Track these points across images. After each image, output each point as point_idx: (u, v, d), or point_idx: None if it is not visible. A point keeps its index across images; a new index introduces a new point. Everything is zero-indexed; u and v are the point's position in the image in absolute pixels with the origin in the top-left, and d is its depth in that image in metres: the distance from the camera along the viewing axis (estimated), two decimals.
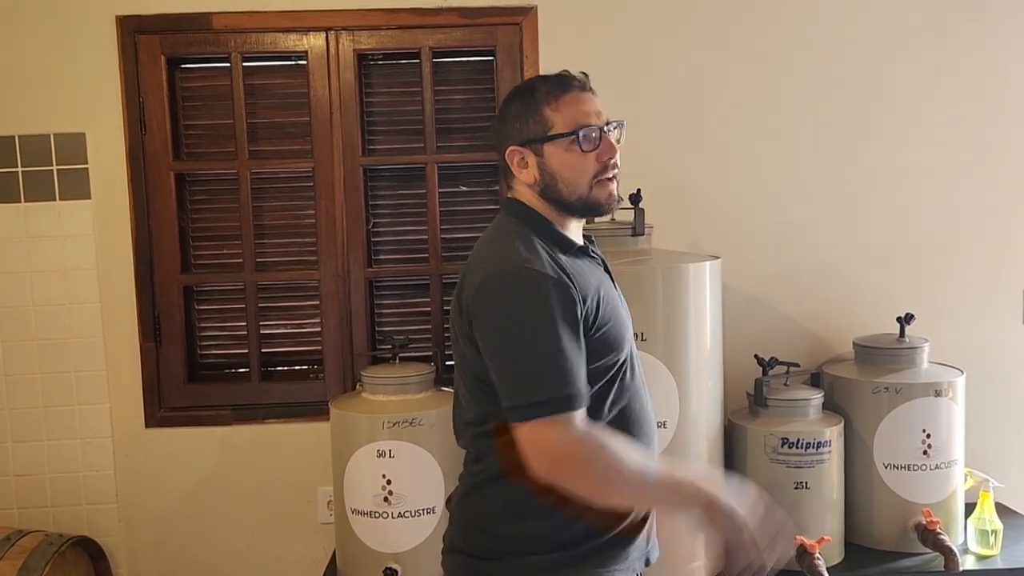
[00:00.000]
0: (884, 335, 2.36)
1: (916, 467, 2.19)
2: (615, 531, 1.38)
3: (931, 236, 2.54)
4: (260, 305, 2.54)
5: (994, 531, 2.19)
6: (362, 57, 2.49)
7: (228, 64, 2.46)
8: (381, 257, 2.58)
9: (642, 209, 2.10)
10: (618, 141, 1.44)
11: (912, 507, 2.19)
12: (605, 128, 1.41)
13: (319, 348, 2.55)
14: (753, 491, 1.30)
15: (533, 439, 1.27)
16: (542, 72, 2.42)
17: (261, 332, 2.54)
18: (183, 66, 2.51)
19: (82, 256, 2.45)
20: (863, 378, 2.25)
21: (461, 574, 1.43)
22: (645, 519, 1.43)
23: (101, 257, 2.46)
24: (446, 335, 2.56)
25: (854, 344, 2.37)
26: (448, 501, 1.52)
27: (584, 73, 1.45)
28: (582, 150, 1.39)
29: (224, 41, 2.44)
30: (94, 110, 2.42)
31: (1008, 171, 2.54)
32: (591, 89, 1.44)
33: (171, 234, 2.48)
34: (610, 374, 1.38)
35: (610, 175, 1.41)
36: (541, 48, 2.44)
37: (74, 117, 2.42)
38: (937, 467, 2.20)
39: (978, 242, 2.54)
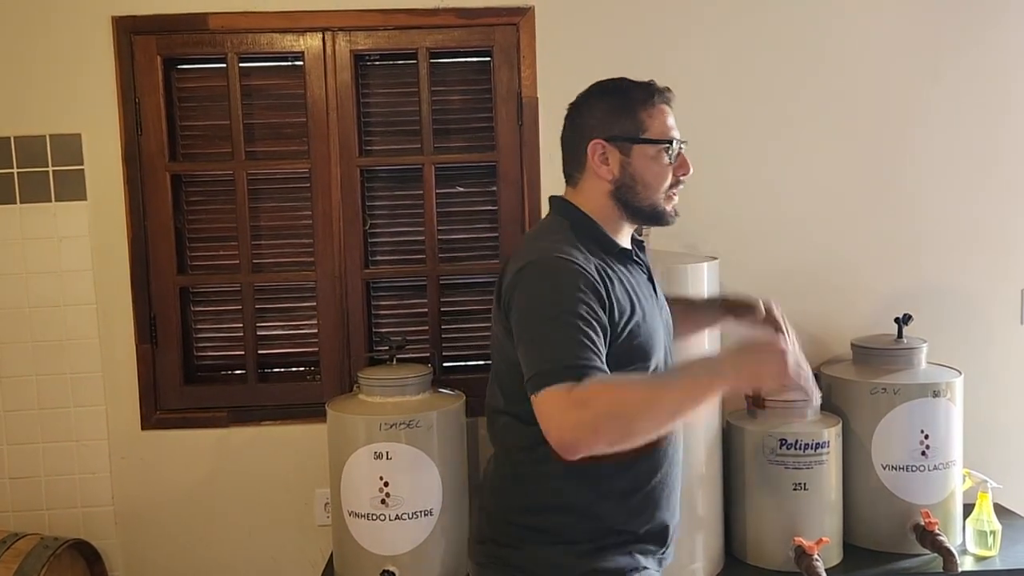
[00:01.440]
0: (882, 336, 2.36)
1: (914, 468, 2.19)
2: (640, 531, 1.42)
3: (929, 236, 2.54)
4: (257, 306, 2.53)
5: (992, 532, 2.19)
6: (359, 58, 2.48)
7: (224, 65, 2.45)
8: (378, 258, 2.57)
9: None
10: None
11: (910, 508, 2.19)
12: (682, 145, 1.47)
13: (316, 349, 2.54)
14: (752, 341, 1.32)
15: (550, 407, 1.25)
16: (540, 73, 2.43)
17: (258, 334, 2.53)
18: (179, 67, 2.50)
19: (78, 258, 2.44)
20: (861, 379, 2.25)
21: (486, 563, 1.47)
22: (667, 530, 1.46)
23: (97, 259, 2.45)
24: (443, 336, 2.56)
25: (852, 345, 2.37)
26: (481, 503, 1.54)
27: (669, 88, 1.49)
28: (669, 161, 1.44)
29: (220, 42, 2.43)
30: (90, 111, 2.41)
31: (1006, 173, 2.54)
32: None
33: (167, 235, 2.47)
34: None
35: (676, 189, 1.48)
36: (539, 49, 2.43)
37: (70, 118, 2.41)
38: (935, 468, 2.19)
39: (976, 242, 2.54)
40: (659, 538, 1.45)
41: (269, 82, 2.51)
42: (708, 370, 1.27)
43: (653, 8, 2.45)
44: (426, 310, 2.55)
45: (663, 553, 1.49)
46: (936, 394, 2.19)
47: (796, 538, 2.08)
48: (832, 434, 2.15)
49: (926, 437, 2.18)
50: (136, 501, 2.50)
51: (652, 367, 1.41)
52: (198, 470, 2.50)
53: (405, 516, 2.09)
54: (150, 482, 2.50)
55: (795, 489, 2.12)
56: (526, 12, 2.43)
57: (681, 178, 1.47)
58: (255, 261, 2.52)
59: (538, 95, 2.45)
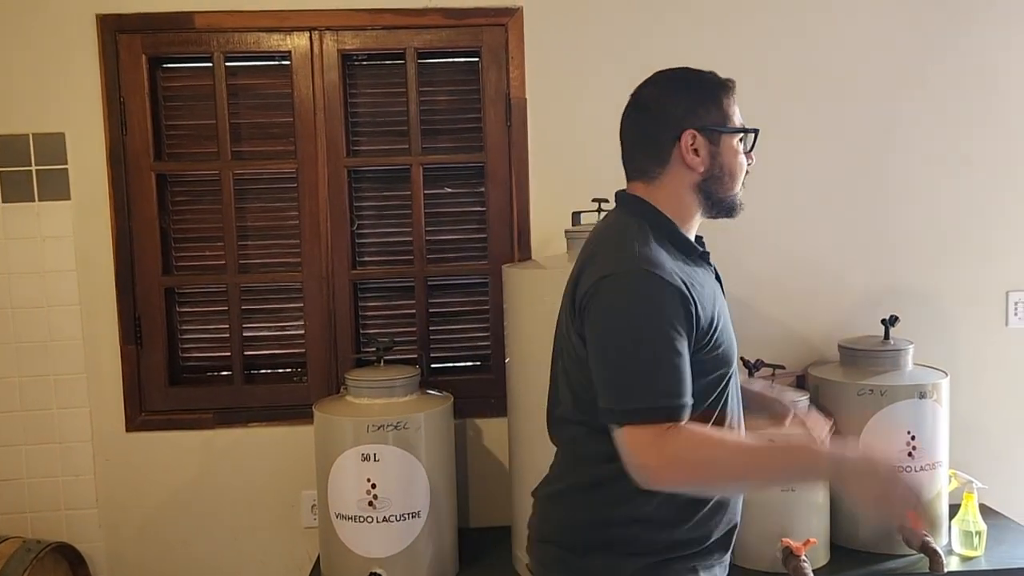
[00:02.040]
0: (869, 337, 2.37)
1: (901, 469, 2.19)
2: (708, 542, 1.40)
3: (915, 239, 2.55)
4: (243, 307, 2.51)
5: (978, 532, 2.20)
6: (346, 57, 2.47)
7: (211, 64, 2.43)
8: (365, 259, 2.56)
9: None
10: None
11: None
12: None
13: (303, 351, 2.52)
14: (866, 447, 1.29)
15: (637, 445, 1.25)
16: (528, 74, 2.43)
17: (244, 335, 2.52)
18: (165, 66, 2.49)
19: (62, 258, 2.42)
20: (848, 380, 2.25)
21: (553, 567, 1.43)
22: (732, 531, 1.45)
23: (81, 259, 2.43)
24: (431, 337, 2.55)
25: (839, 346, 2.38)
26: (535, 491, 1.50)
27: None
28: (747, 150, 1.42)
29: (206, 41, 2.41)
30: (74, 110, 2.39)
31: (991, 174, 2.55)
32: None
33: (152, 236, 2.45)
34: (719, 389, 1.38)
35: (746, 180, 1.45)
36: (527, 49, 2.43)
37: (54, 117, 2.39)
38: (922, 469, 2.20)
39: (963, 245, 2.56)
40: (725, 543, 1.43)
41: (256, 81, 2.50)
42: (811, 464, 1.26)
43: (641, 9, 2.45)
44: (414, 311, 2.54)
45: (726, 557, 1.47)
46: (922, 395, 2.19)
47: (784, 539, 2.08)
48: None
49: (912, 438, 2.19)
50: (120, 504, 2.48)
51: (730, 373, 1.40)
52: (183, 472, 2.48)
53: (392, 518, 2.08)
54: (135, 484, 2.48)
55: (783, 490, 2.12)
56: (514, 13, 2.43)
57: (748, 168, 1.45)
58: (241, 262, 2.50)
59: (526, 96, 2.44)
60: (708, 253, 1.46)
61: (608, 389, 1.28)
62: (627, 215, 1.42)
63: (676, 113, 1.39)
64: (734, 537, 1.46)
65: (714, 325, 1.35)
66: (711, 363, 1.35)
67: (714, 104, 1.39)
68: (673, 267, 1.32)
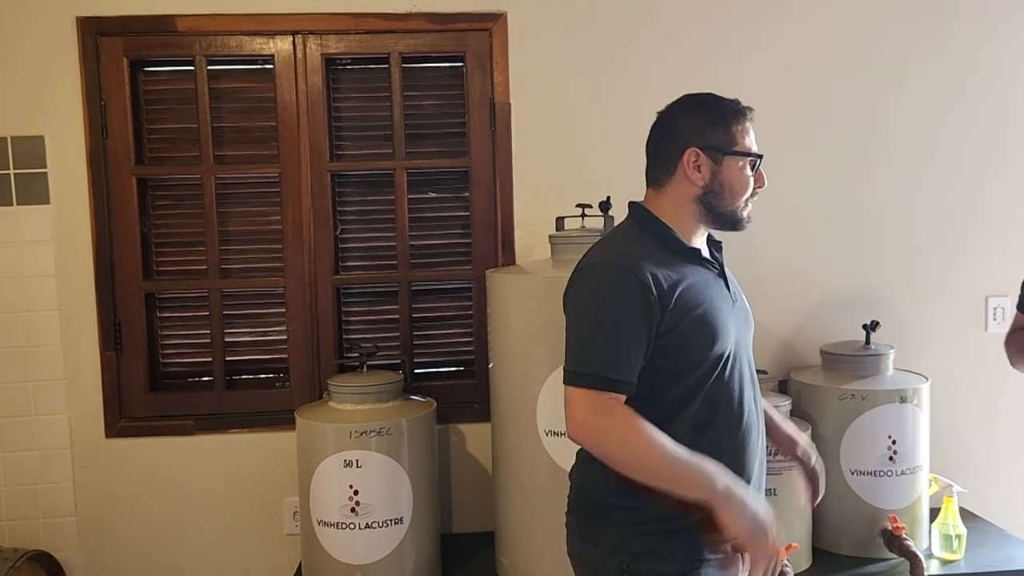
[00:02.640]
0: (850, 342, 2.39)
1: (882, 473, 2.21)
2: (694, 520, 1.45)
3: (897, 244, 2.57)
4: (224, 313, 2.49)
5: (958, 536, 2.21)
6: (330, 61, 2.46)
7: (192, 67, 2.42)
8: (349, 264, 2.55)
9: (612, 216, 2.10)
10: None
11: (878, 513, 2.21)
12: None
13: (285, 356, 2.51)
14: (763, 503, 1.43)
15: (572, 403, 1.42)
16: (512, 78, 2.43)
17: (225, 340, 2.50)
18: (146, 69, 2.47)
19: (41, 262, 2.39)
20: (830, 385, 2.26)
21: (573, 530, 1.58)
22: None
23: (60, 264, 2.40)
24: (415, 343, 2.54)
25: (821, 351, 2.39)
26: (570, 473, 1.63)
27: (751, 108, 1.57)
28: (752, 172, 1.56)
29: (188, 44, 2.40)
30: (54, 113, 2.37)
31: (971, 180, 2.58)
32: None
33: (133, 240, 2.43)
34: (699, 371, 1.47)
35: (752, 199, 1.59)
36: (511, 54, 2.43)
37: (33, 120, 2.37)
38: (903, 473, 2.22)
39: (942, 250, 2.58)
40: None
41: (238, 85, 2.48)
42: (715, 487, 1.37)
43: (624, 15, 2.46)
44: (397, 316, 2.53)
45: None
46: (903, 400, 2.21)
47: None
48: None
49: (893, 443, 2.21)
50: (100, 511, 2.45)
51: (719, 353, 1.48)
52: (164, 479, 2.46)
53: (375, 525, 2.07)
54: (114, 492, 2.45)
55: (765, 495, 2.12)
56: (498, 18, 2.43)
57: (757, 190, 1.58)
58: (223, 266, 2.49)
59: (511, 101, 2.44)
60: (698, 250, 1.55)
61: (566, 356, 1.46)
62: (628, 220, 1.60)
63: (685, 131, 1.54)
64: None
65: (690, 308, 1.45)
66: (693, 338, 1.45)
67: (722, 127, 1.53)
68: (649, 262, 1.45)
